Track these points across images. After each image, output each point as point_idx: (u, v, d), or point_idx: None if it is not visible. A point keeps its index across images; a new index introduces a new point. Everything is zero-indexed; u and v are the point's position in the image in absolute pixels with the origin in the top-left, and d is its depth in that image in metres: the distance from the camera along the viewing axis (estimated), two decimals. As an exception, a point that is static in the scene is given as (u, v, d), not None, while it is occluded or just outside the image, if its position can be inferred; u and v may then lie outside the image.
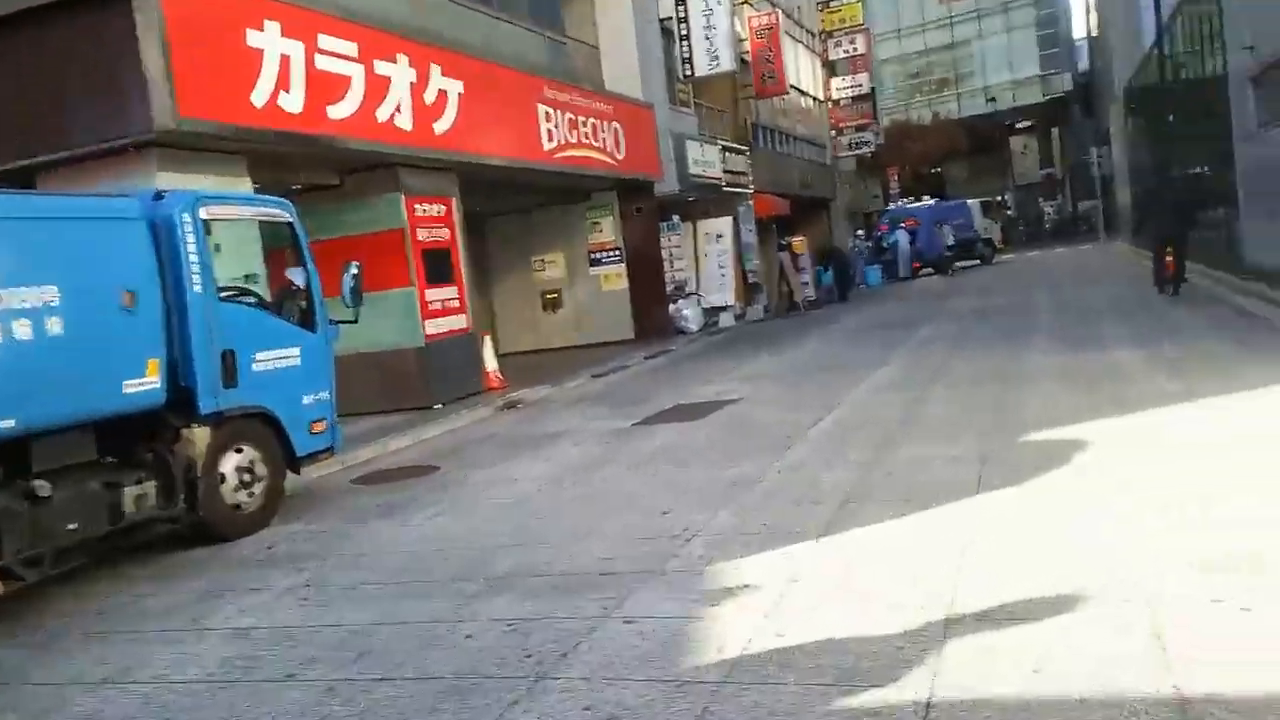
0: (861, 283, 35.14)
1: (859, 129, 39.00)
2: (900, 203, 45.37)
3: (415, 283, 13.41)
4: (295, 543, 7.18)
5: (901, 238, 36.65)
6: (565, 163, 17.58)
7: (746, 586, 4.97)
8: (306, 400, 8.34)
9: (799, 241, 27.76)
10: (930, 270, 37.24)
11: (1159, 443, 6.97)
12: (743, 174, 26.67)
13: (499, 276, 21.82)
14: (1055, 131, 74.25)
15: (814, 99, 38.23)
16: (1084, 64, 72.11)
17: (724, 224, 25.40)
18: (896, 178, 53.37)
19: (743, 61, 27.90)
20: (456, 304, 14.20)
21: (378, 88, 12.75)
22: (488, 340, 14.94)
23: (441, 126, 13.97)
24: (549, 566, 5.74)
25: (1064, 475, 6.36)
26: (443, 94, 14.02)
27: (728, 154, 25.63)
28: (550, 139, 17.09)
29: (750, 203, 27.28)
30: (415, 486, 8.75)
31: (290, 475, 8.38)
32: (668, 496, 7.10)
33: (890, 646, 4.05)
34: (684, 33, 24.05)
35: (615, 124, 19.40)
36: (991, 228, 41.64)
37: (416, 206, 13.65)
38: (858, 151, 40.16)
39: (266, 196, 9.52)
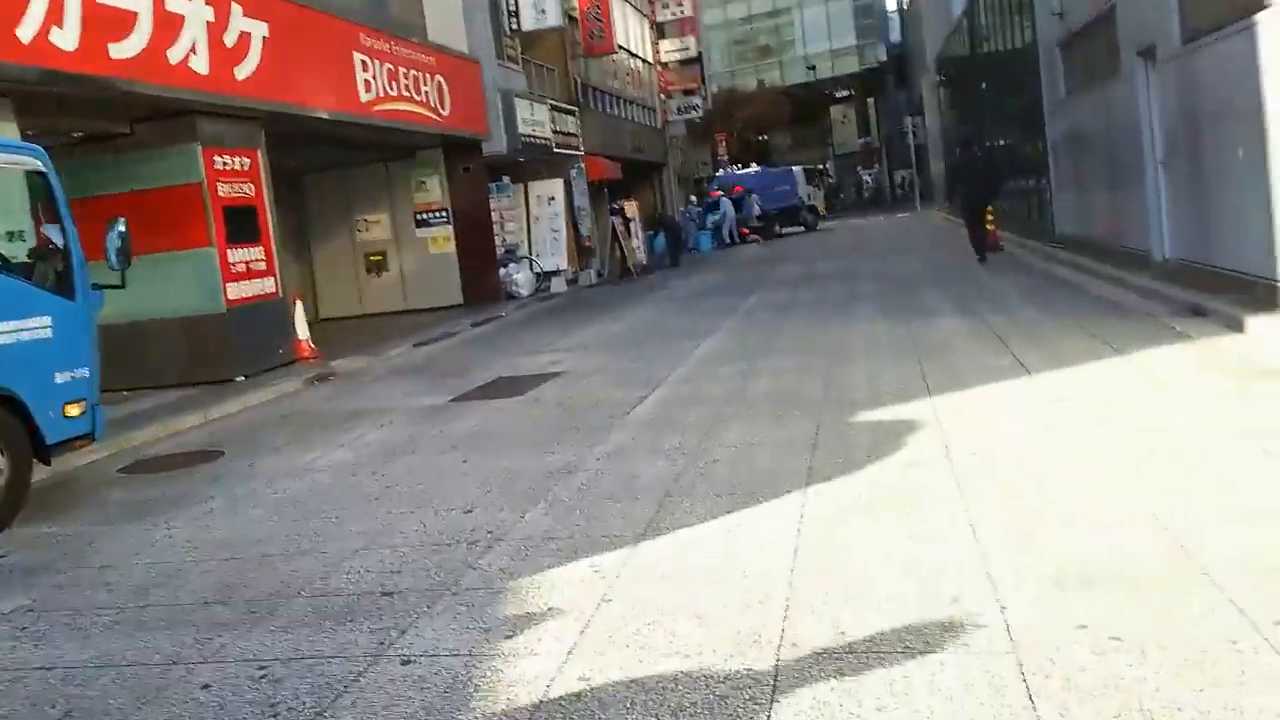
0: (694, 248, 34.87)
1: (687, 93, 38.42)
2: (729, 169, 45.22)
3: (215, 242, 11.94)
4: (35, 550, 5.94)
5: (726, 205, 36.34)
6: (384, 116, 16.27)
7: (550, 610, 4.12)
8: (60, 378, 7.02)
9: (630, 205, 27.05)
10: (756, 238, 37.21)
11: (994, 425, 6.46)
12: (573, 135, 25.69)
13: (320, 237, 20.33)
14: (872, 102, 75.90)
15: (643, 61, 37.39)
16: (896, 36, 73.76)
17: (555, 186, 24.43)
18: (725, 144, 53.30)
19: (571, 19, 26.84)
20: (264, 266, 12.79)
21: (168, 26, 11.24)
22: (300, 305, 13.56)
23: (244, 71, 12.51)
24: (323, 584, 4.75)
25: (898, 464, 5.74)
26: (245, 36, 12.56)
27: (557, 114, 24.60)
28: (368, 90, 15.75)
29: (582, 165, 26.34)
30: (189, 477, 7.53)
31: (44, 466, 7.11)
32: (474, 490, 6.18)
33: (713, 695, 3.27)
34: (510, -16, 22.78)
35: (439, 78, 18.13)
36: (815, 195, 41.94)
37: (216, 159, 12.17)
38: (687, 116, 39.62)
39: (11, 141, 8.08)
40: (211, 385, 11.44)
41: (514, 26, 22.53)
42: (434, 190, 19.56)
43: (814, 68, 67.50)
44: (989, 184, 19.45)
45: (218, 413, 10.16)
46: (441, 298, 19.67)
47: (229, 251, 12.11)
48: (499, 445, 7.43)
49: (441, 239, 19.72)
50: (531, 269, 22.37)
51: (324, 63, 14.71)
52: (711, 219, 36.29)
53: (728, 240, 35.86)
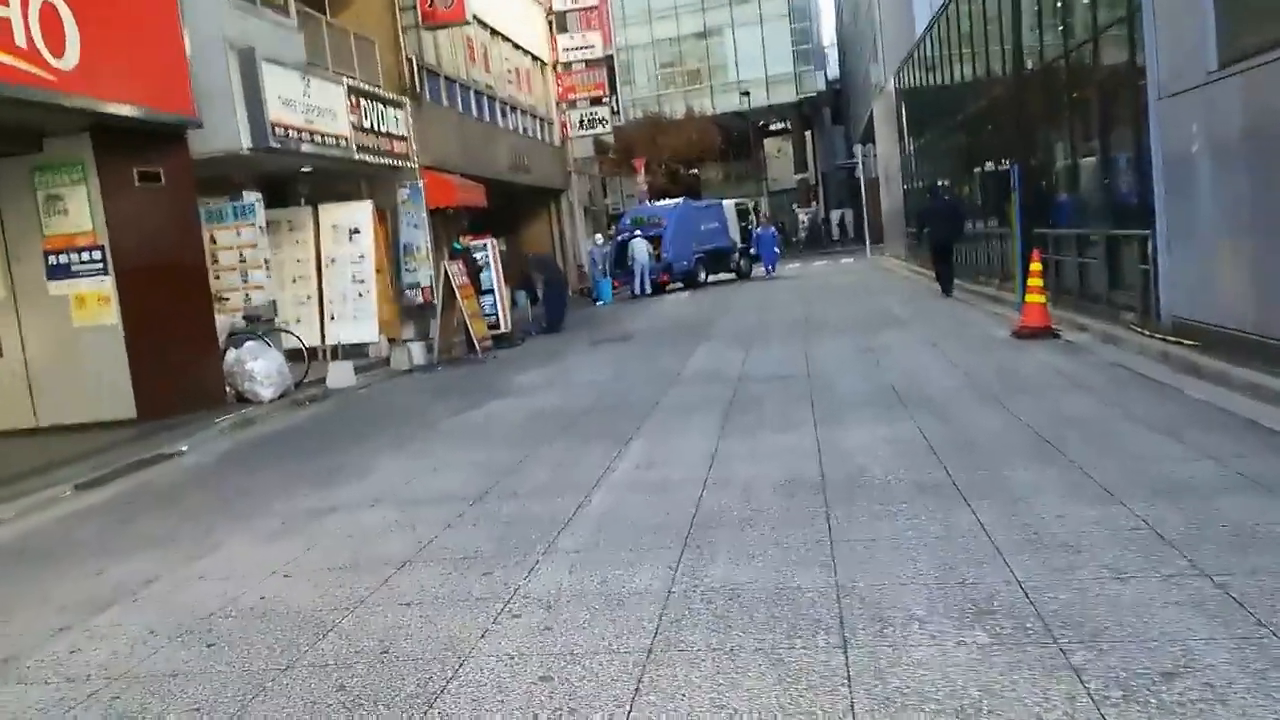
0: (598, 299, 26.61)
1: (594, 101, 29.87)
2: (647, 201, 36.72)
3: None
4: None
5: (637, 248, 27.58)
6: None
7: None
8: None
9: (481, 242, 18.11)
10: (680, 285, 28.77)
11: None
12: (399, 138, 16.96)
13: None
14: (809, 135, 68.64)
15: (533, 57, 28.64)
16: (834, 71, 66.91)
17: (361, 212, 15.61)
18: (646, 173, 44.93)
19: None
20: None
21: None
22: None
23: None
24: None
25: None
26: None
27: (367, 103, 15.86)
28: None
29: (419, 183, 17.55)
30: None
31: None
32: None
33: None
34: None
35: (50, -2, 9.24)
36: (752, 236, 33.49)
37: None
38: (594, 131, 31.00)
39: None
40: None
41: (258, -62, 13.68)
42: (77, 213, 10.60)
43: (748, 94, 59.56)
44: (955, 225, 18.87)
45: None
46: (97, 406, 10.70)
47: None
48: None
49: (94, 299, 10.73)
50: (306, 351, 13.53)
51: None
52: (631, 260, 27.60)
53: (638, 292, 27.32)
